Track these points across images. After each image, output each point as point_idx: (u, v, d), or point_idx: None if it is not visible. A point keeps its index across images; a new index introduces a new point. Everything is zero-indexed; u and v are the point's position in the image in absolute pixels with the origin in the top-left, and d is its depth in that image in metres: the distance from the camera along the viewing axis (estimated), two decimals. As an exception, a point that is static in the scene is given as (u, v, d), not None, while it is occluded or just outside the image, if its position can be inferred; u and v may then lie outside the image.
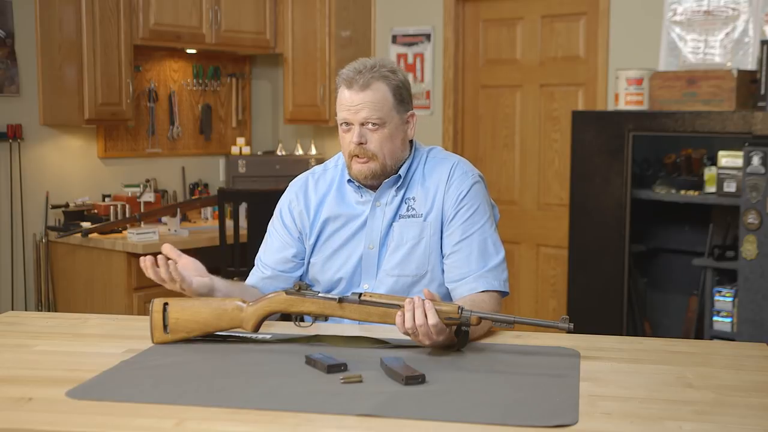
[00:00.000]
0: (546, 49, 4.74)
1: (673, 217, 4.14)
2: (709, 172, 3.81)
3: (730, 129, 3.63)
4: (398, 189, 2.17)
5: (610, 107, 4.31)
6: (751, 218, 3.47)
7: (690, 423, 1.43)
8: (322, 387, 1.60)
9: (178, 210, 4.60)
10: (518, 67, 4.85)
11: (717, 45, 4.04)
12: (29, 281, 4.59)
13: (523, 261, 4.85)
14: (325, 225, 2.20)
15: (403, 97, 2.13)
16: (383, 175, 2.14)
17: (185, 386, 1.60)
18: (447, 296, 2.14)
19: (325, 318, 1.96)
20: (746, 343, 2.43)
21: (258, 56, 5.59)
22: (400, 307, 1.82)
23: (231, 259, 4.34)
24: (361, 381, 1.62)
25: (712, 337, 3.70)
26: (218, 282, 2.11)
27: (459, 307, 1.81)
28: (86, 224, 4.48)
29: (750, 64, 3.91)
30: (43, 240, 4.59)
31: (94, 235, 4.39)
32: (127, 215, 4.58)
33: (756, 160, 3.45)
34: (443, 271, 2.15)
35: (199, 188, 5.29)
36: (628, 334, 3.86)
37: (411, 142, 2.21)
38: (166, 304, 1.90)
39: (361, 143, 2.09)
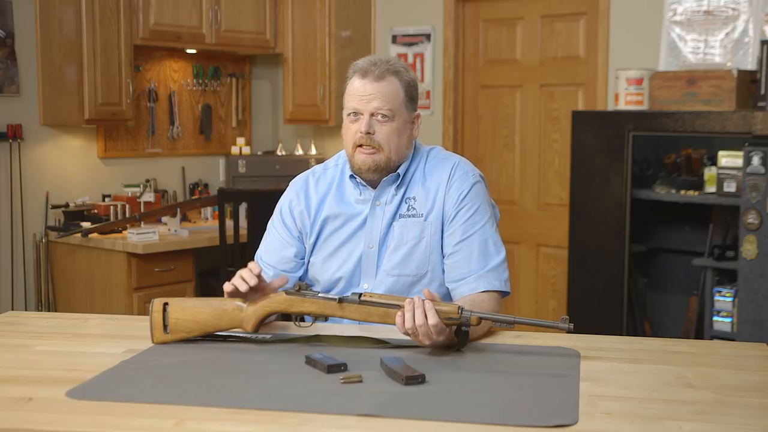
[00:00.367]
0: (546, 49, 4.74)
1: (673, 217, 4.14)
2: (709, 172, 3.81)
3: (730, 129, 3.63)
4: (397, 188, 2.17)
5: (610, 107, 4.32)
6: (751, 218, 3.47)
7: (690, 423, 1.43)
8: (322, 387, 1.60)
9: (178, 210, 4.60)
10: (518, 67, 4.86)
11: (717, 45, 4.04)
12: (29, 281, 4.59)
13: (523, 261, 4.86)
14: (324, 224, 2.20)
15: (412, 96, 2.16)
16: (386, 170, 2.13)
17: (185, 386, 1.60)
18: (447, 296, 2.14)
19: (325, 318, 1.96)
20: (746, 343, 2.43)
21: (258, 56, 5.59)
22: (400, 307, 1.82)
23: (231, 259, 4.34)
24: (361, 381, 1.62)
25: (712, 337, 3.70)
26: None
27: (459, 307, 1.81)
28: (86, 224, 4.48)
29: (750, 64, 3.91)
30: (43, 240, 4.59)
31: (94, 235, 4.39)
32: (127, 215, 4.58)
33: (756, 160, 3.45)
34: (443, 271, 2.15)
35: (199, 188, 5.29)
36: (628, 334, 3.86)
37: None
38: (166, 304, 1.90)
39: (369, 133, 2.09)
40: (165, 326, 1.90)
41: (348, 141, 2.14)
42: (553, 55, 4.72)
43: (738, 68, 3.81)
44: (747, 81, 3.73)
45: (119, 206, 4.60)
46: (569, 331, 1.79)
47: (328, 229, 2.20)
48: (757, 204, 3.46)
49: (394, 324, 1.83)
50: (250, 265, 1.97)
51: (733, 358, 1.85)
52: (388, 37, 5.26)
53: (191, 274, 4.52)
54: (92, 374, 1.67)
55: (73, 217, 4.57)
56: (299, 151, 5.52)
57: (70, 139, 4.72)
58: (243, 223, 4.41)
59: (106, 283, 4.35)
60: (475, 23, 5.00)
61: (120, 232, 4.45)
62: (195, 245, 4.49)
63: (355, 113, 2.11)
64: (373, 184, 2.17)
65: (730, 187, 3.65)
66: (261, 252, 2.27)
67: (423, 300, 1.81)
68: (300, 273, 2.23)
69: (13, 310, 4.19)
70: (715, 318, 3.74)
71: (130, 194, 4.74)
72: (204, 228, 4.73)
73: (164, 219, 4.64)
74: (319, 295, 1.91)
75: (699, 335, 3.84)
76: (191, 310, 1.90)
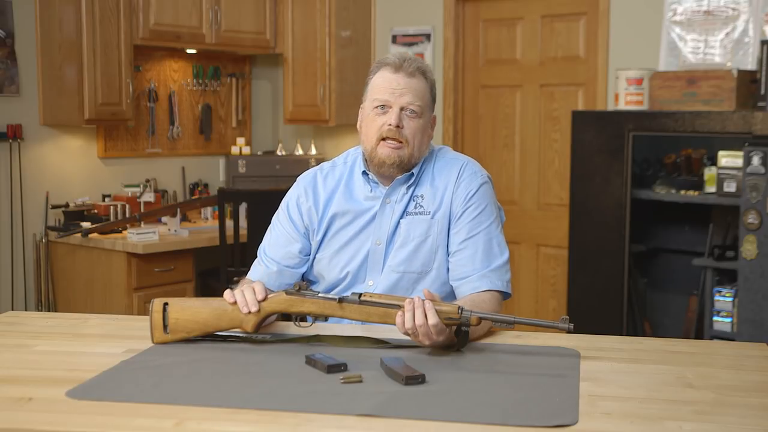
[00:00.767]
0: (546, 49, 4.74)
1: (673, 217, 4.14)
2: (709, 172, 3.81)
3: (730, 129, 3.63)
4: (409, 187, 2.17)
5: (610, 107, 4.32)
6: (751, 218, 3.47)
7: (690, 423, 1.43)
8: (322, 387, 1.60)
9: (178, 210, 4.60)
10: (518, 67, 4.86)
11: (717, 45, 4.04)
12: (29, 281, 4.59)
13: (523, 261, 4.85)
14: (332, 221, 2.20)
15: (434, 97, 2.19)
16: (407, 165, 2.14)
17: (185, 386, 1.60)
18: (452, 294, 2.14)
19: (325, 318, 1.96)
20: (746, 343, 2.43)
21: (258, 56, 5.59)
22: (400, 307, 1.82)
23: (231, 259, 4.34)
24: (361, 381, 1.62)
25: (712, 337, 3.70)
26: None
27: (459, 307, 1.81)
28: (86, 224, 4.48)
29: (750, 64, 3.91)
30: (43, 240, 4.59)
31: (94, 235, 4.39)
32: (127, 215, 4.58)
33: (756, 160, 3.45)
34: (449, 269, 2.15)
35: (199, 188, 5.29)
36: (628, 334, 3.86)
37: None
38: (166, 304, 1.90)
39: (399, 126, 2.10)
40: (165, 326, 1.90)
41: (372, 134, 2.13)
42: (553, 55, 4.72)
43: (738, 68, 3.81)
44: (747, 81, 3.73)
45: (119, 206, 4.60)
46: (569, 332, 1.79)
47: (336, 225, 2.20)
48: (757, 204, 3.46)
49: (395, 324, 1.83)
50: (256, 288, 1.94)
51: (733, 358, 1.85)
52: (388, 37, 5.26)
53: (191, 274, 4.52)
54: (92, 374, 1.67)
55: (73, 217, 4.57)
56: (299, 151, 5.52)
57: (70, 139, 4.72)
58: (243, 223, 4.41)
59: (106, 283, 4.35)
60: (475, 23, 5.00)
61: (120, 232, 4.45)
62: (195, 245, 4.49)
63: (383, 106, 2.12)
64: (386, 182, 2.17)
65: (730, 187, 3.65)
66: (265, 246, 2.26)
67: (423, 300, 1.81)
68: (304, 269, 2.23)
69: (13, 310, 4.19)
70: (715, 318, 3.74)
71: (130, 194, 4.74)
72: (204, 228, 4.73)
73: (164, 219, 4.64)
74: (319, 295, 1.91)
75: (699, 335, 3.84)
76: (191, 310, 1.90)
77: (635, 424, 1.42)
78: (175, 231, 4.51)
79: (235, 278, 4.24)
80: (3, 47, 4.39)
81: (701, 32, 4.08)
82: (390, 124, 2.09)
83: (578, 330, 1.86)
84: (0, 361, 1.79)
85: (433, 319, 1.78)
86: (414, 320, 1.79)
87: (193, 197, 5.18)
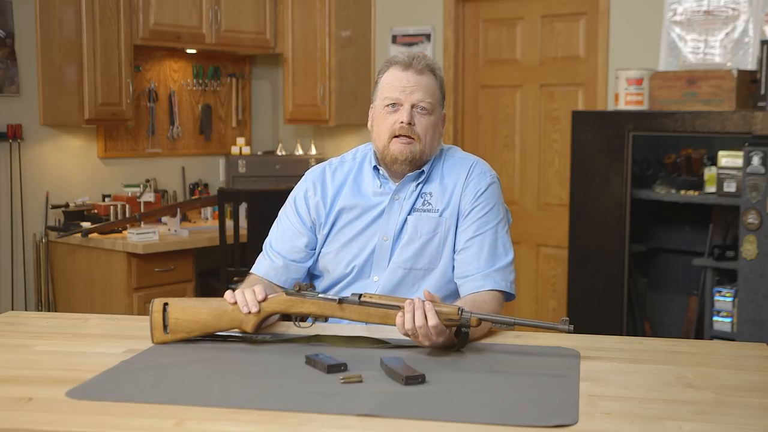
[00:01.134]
0: (546, 49, 4.74)
1: (673, 217, 4.14)
2: (709, 172, 3.81)
3: (730, 129, 3.63)
4: (418, 184, 2.18)
5: (610, 107, 4.32)
6: (751, 218, 3.47)
7: (690, 423, 1.43)
8: (322, 387, 1.60)
9: (178, 210, 4.60)
10: (518, 67, 4.86)
11: (717, 45, 4.04)
12: (29, 281, 4.59)
13: (523, 261, 4.85)
14: (339, 215, 2.21)
15: (443, 94, 2.20)
16: (419, 162, 2.15)
17: (185, 386, 1.60)
18: (456, 293, 2.14)
19: (325, 318, 1.96)
20: (746, 343, 2.43)
21: (258, 56, 5.59)
22: (399, 308, 1.82)
23: (231, 259, 4.34)
24: (361, 381, 1.62)
25: (712, 337, 3.70)
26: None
27: (459, 308, 1.81)
28: (86, 224, 4.48)
29: (750, 64, 3.91)
30: (43, 240, 4.59)
31: (94, 235, 4.39)
32: (127, 215, 4.58)
33: (756, 160, 3.45)
34: (454, 267, 2.15)
35: (199, 188, 5.29)
36: (628, 334, 3.86)
37: None
38: (166, 304, 1.90)
39: (410, 123, 2.10)
40: (165, 326, 1.90)
41: (384, 132, 2.14)
42: (553, 55, 4.72)
43: (738, 68, 3.81)
44: (747, 81, 3.73)
45: (119, 206, 4.60)
46: (569, 332, 1.79)
47: (343, 220, 2.20)
48: (757, 204, 3.46)
49: (395, 325, 1.83)
50: (256, 289, 1.94)
51: (733, 358, 1.85)
52: (388, 37, 5.26)
53: (191, 274, 4.52)
54: (92, 374, 1.67)
55: (73, 217, 4.57)
56: (299, 151, 5.52)
57: (70, 139, 4.72)
58: (243, 223, 4.41)
59: (106, 283, 4.35)
60: (475, 23, 5.00)
61: (120, 232, 4.45)
62: (195, 245, 4.49)
63: (394, 104, 2.13)
64: (396, 178, 2.18)
65: (730, 187, 3.66)
66: (271, 240, 2.26)
67: (423, 301, 1.81)
68: (309, 263, 2.23)
69: (13, 310, 4.19)
70: (715, 318, 3.74)
71: (130, 194, 4.74)
72: (204, 228, 4.73)
73: (164, 219, 4.64)
74: (319, 295, 1.91)
75: (699, 335, 3.84)
76: (191, 310, 1.90)
77: (635, 424, 1.42)
78: (175, 231, 4.51)
79: (235, 278, 4.24)
80: (3, 47, 4.39)
81: (701, 32, 4.08)
82: (402, 122, 2.11)
83: (578, 330, 1.86)
84: (0, 361, 1.79)
85: (433, 321, 1.78)
86: (414, 321, 1.79)
87: (193, 197, 5.18)
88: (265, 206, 3.69)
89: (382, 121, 2.15)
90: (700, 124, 3.70)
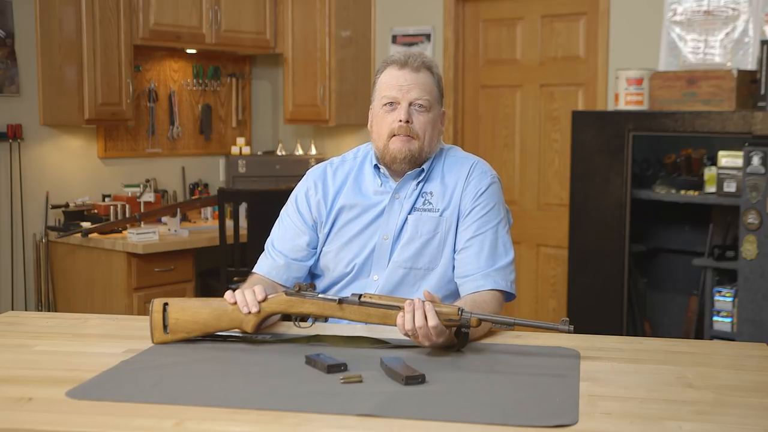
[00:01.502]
0: (546, 49, 4.74)
1: (673, 217, 4.14)
2: (709, 172, 3.81)
3: (730, 129, 3.63)
4: (418, 183, 2.18)
5: (610, 107, 4.32)
6: (751, 218, 3.47)
7: (690, 423, 1.43)
8: (322, 387, 1.60)
9: (178, 210, 4.60)
10: (518, 67, 4.86)
11: (717, 45, 4.04)
12: (29, 281, 4.59)
13: (523, 261, 4.85)
14: (340, 213, 2.21)
15: (441, 92, 2.20)
16: (418, 160, 2.15)
17: (185, 386, 1.60)
18: (457, 292, 2.14)
19: (325, 319, 1.96)
20: (746, 343, 2.43)
21: (258, 56, 5.59)
22: (399, 308, 1.82)
23: (231, 259, 4.34)
24: (361, 381, 1.62)
25: (712, 337, 3.70)
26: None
27: (459, 308, 1.81)
28: (86, 224, 4.48)
29: (750, 64, 3.91)
30: (43, 240, 4.59)
31: (94, 235, 4.39)
32: (127, 215, 4.58)
33: (756, 160, 3.45)
34: (454, 267, 2.15)
35: (199, 188, 5.29)
36: (628, 334, 3.86)
37: None
38: (166, 304, 1.90)
39: (408, 122, 2.11)
40: (165, 326, 1.90)
41: (383, 131, 2.15)
42: (553, 55, 4.72)
43: (738, 68, 3.81)
44: (747, 81, 3.73)
45: (119, 206, 4.60)
46: (569, 333, 1.79)
47: (343, 218, 2.21)
48: (757, 204, 3.46)
49: (395, 325, 1.83)
50: (256, 289, 1.94)
51: (733, 358, 1.85)
52: (388, 37, 5.26)
53: (191, 274, 4.52)
54: (92, 374, 1.67)
55: (73, 217, 4.57)
56: (299, 151, 5.52)
57: (70, 139, 4.72)
58: (243, 223, 4.41)
59: (106, 283, 4.35)
60: (475, 23, 5.00)
61: (120, 232, 4.45)
62: (195, 245, 4.49)
63: (392, 103, 2.13)
64: (396, 177, 2.18)
65: (730, 187, 3.66)
66: (273, 239, 2.26)
67: (423, 301, 1.81)
68: (311, 262, 2.23)
69: (13, 310, 4.19)
70: (715, 318, 3.74)
71: (130, 194, 4.74)
72: (204, 228, 4.73)
73: (164, 219, 4.64)
74: (319, 295, 1.91)
75: (699, 335, 3.84)
76: (191, 311, 1.90)
77: (635, 424, 1.42)
78: (175, 231, 4.51)
79: (235, 278, 4.24)
80: (3, 47, 4.39)
81: (701, 32, 4.08)
82: (400, 120, 2.11)
83: (578, 330, 1.86)
84: (0, 361, 1.79)
85: (433, 321, 1.78)
86: (414, 322, 1.79)
87: (193, 197, 5.18)
88: (265, 206, 3.69)
89: (381, 120, 2.15)
90: (700, 124, 3.70)
